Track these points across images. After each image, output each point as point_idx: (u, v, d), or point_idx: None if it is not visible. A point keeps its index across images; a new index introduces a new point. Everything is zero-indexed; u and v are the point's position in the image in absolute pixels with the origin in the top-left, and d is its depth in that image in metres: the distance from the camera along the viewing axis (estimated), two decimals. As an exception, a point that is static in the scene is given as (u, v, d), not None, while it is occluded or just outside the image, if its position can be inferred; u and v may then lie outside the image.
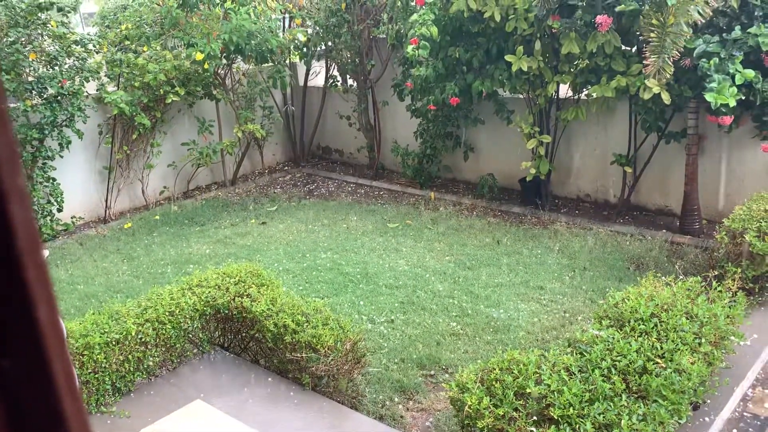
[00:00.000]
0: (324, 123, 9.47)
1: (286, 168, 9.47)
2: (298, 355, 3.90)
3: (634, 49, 6.13)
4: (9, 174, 0.24)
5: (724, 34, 5.40)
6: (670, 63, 5.35)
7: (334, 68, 8.87)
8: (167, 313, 4.09)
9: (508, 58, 6.37)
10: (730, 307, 3.85)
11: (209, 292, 4.28)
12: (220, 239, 6.87)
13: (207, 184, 8.72)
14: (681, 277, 4.57)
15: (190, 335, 4.31)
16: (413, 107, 7.69)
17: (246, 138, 8.49)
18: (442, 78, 6.92)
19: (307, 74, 9.21)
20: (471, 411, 3.10)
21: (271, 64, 8.27)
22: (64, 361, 0.26)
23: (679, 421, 3.18)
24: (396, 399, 4.12)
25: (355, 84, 8.63)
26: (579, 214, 7.04)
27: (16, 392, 0.26)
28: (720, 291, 4.00)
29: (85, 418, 0.27)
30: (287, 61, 8.61)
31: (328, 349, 3.85)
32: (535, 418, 3.01)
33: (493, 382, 3.21)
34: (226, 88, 8.21)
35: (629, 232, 6.41)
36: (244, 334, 4.36)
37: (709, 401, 3.78)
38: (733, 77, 5.22)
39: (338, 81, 8.86)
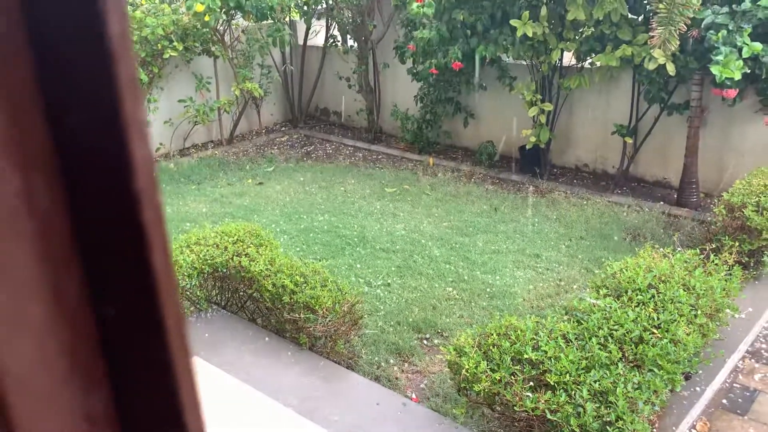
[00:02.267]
0: (323, 84, 9.35)
1: (284, 129, 9.39)
2: (296, 315, 3.91)
3: (640, 18, 6.04)
4: (131, 105, 0.22)
5: (733, 6, 5.32)
6: (676, 35, 5.29)
7: (334, 28, 8.72)
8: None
9: (513, 22, 6.27)
10: (726, 281, 3.88)
11: (207, 250, 4.27)
12: (217, 198, 6.84)
13: (203, 143, 8.64)
14: (678, 249, 4.59)
15: (188, 293, 4.31)
16: (414, 71, 7.59)
17: (244, 97, 8.38)
18: (446, 41, 6.82)
19: (306, 33, 9.06)
20: (468, 374, 3.13)
21: (270, 21, 8.12)
22: (177, 314, 0.25)
23: (673, 389, 3.22)
24: (391, 361, 4.16)
25: (355, 45, 8.50)
26: (577, 184, 7.03)
27: (120, 345, 0.24)
28: (717, 264, 4.02)
29: (195, 374, 0.26)
30: (287, 19, 8.45)
31: (326, 310, 3.87)
32: (531, 383, 3.04)
33: (491, 347, 3.23)
34: (225, 45, 8.07)
35: (627, 203, 6.42)
36: (241, 293, 4.37)
37: (701, 372, 3.83)
38: (740, 50, 5.17)
39: (338, 41, 8.72)
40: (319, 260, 5.30)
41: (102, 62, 0.21)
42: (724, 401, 3.75)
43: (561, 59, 6.65)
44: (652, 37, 5.36)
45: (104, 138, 0.22)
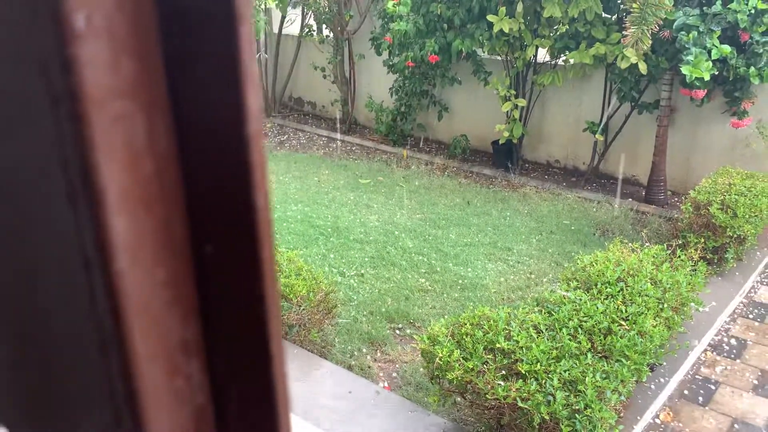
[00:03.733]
0: (297, 73, 9.31)
1: (257, 117, 9.32)
2: (271, 303, 3.92)
3: (614, 18, 6.16)
4: (248, 58, 0.24)
5: (704, 8, 5.46)
6: (648, 35, 5.41)
7: (310, 17, 8.68)
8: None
9: (489, 18, 6.33)
10: (691, 276, 4.00)
11: (181, 237, 4.24)
12: (189, 185, 6.78)
13: (175, 129, 8.54)
14: (646, 244, 4.70)
15: (160, 279, 4.28)
16: (390, 62, 7.61)
17: (218, 84, 8.30)
18: (422, 34, 6.85)
19: (282, 21, 9.00)
20: (441, 363, 3.18)
21: (246, 8, 8.04)
22: (271, 251, 0.27)
23: (639, 380, 3.32)
24: (364, 350, 4.19)
25: (331, 35, 8.48)
26: (548, 179, 7.14)
27: (216, 280, 0.27)
28: (683, 259, 4.14)
29: (279, 305, 0.28)
30: (262, 6, 8.39)
31: (300, 298, 3.88)
32: (503, 372, 3.11)
33: (464, 336, 3.28)
34: (199, 31, 7.97)
35: (596, 198, 6.55)
36: (215, 281, 4.35)
37: (665, 363, 3.95)
38: (709, 52, 5.30)
39: (314, 30, 8.68)
40: (293, 250, 5.30)
41: (228, 20, 0.24)
42: (687, 392, 3.88)
43: (535, 56, 6.74)
44: (626, 36, 5.47)
45: (223, 88, 0.24)
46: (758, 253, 5.38)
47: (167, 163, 0.25)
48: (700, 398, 3.83)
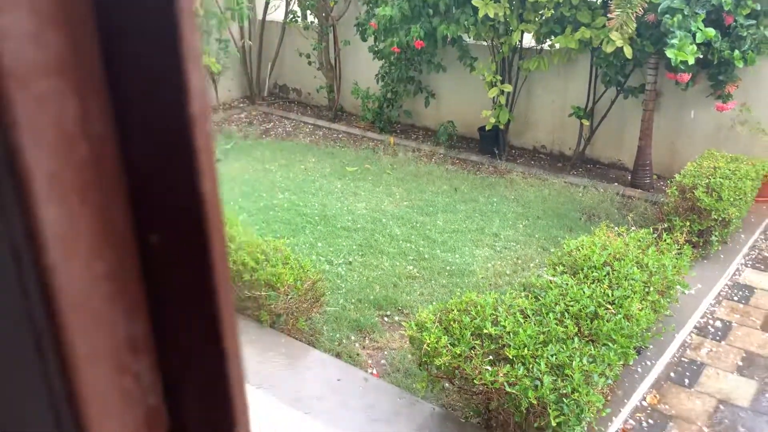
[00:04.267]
0: (282, 60, 9.23)
1: (242, 105, 9.24)
2: (257, 292, 3.90)
3: (599, 2, 6.14)
4: (189, 33, 0.22)
5: (688, -9, 5.45)
6: (633, 18, 5.39)
7: (294, 2, 8.59)
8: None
9: (475, 2, 6.29)
10: (677, 259, 4.02)
11: (166, 227, 4.20)
12: (174, 175, 6.72)
13: (159, 118, 8.45)
14: (632, 228, 4.72)
15: (146, 270, 4.25)
16: (376, 48, 7.55)
17: (201, 72, 8.20)
18: (408, 20, 6.80)
19: (266, 7, 8.90)
20: (429, 349, 3.18)
21: (229, -5, 7.95)
22: (222, 242, 0.25)
23: (626, 363, 3.34)
24: (353, 337, 4.19)
25: (316, 21, 8.40)
26: (535, 165, 7.15)
27: (163, 272, 0.25)
28: (669, 243, 4.16)
29: (233, 303, 0.26)
30: (246, -7, 8.28)
31: (287, 287, 3.86)
32: (490, 357, 3.11)
33: (451, 323, 3.29)
34: (182, 18, 7.87)
35: (582, 183, 6.56)
36: (201, 271, 4.32)
37: (651, 346, 3.98)
38: (694, 35, 5.30)
39: (298, 16, 8.60)
40: (280, 238, 5.28)
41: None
42: (673, 374, 3.91)
43: (521, 41, 6.71)
44: (610, 19, 5.46)
45: (162, 64, 0.22)
46: (742, 235, 5.42)
47: (104, 147, 0.23)
48: (686, 380, 3.86)
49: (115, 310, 0.24)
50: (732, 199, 4.78)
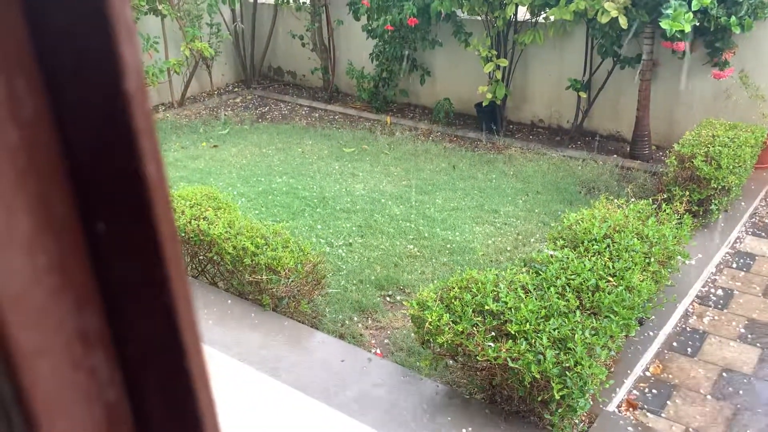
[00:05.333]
0: (275, 42, 9.15)
1: (237, 90, 9.19)
2: (258, 277, 3.90)
3: (594, -28, 6.05)
4: (119, 2, 0.21)
5: (683, -42, 5.37)
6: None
7: (286, -16, 8.49)
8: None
9: (467, -23, 6.21)
10: (677, 229, 4.01)
11: (164, 214, 4.19)
12: (171, 162, 6.69)
13: (154, 105, 8.39)
14: (632, 200, 4.70)
15: (146, 258, 4.24)
16: (369, 27, 7.48)
17: (194, 57, 8.14)
18: (400, -3, 6.72)
19: (257, -10, 8.81)
20: (431, 327, 3.18)
21: (219, -22, 7.86)
22: (171, 229, 0.24)
23: (628, 334, 3.34)
24: (355, 318, 4.19)
25: (308, 1, 8.31)
26: (533, 140, 7.11)
27: (114, 262, 0.24)
28: (668, 213, 4.15)
29: (190, 293, 0.25)
30: (236, -24, 8.19)
31: (288, 270, 3.86)
32: (493, 333, 3.12)
33: (453, 300, 3.28)
34: (172, 3, 7.79)
35: (581, 157, 6.53)
36: (201, 257, 4.32)
37: (654, 317, 3.98)
38: (689, 2, 5.24)
39: (290, -2, 8.50)
40: (279, 222, 5.27)
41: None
42: (675, 344, 3.92)
43: (515, 14, 6.64)
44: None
45: (91, 38, 0.21)
46: (743, 203, 5.41)
47: (37, 131, 0.21)
48: (689, 349, 3.87)
49: (62, 303, 0.23)
50: (731, 167, 4.76)
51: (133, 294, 0.24)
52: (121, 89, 0.21)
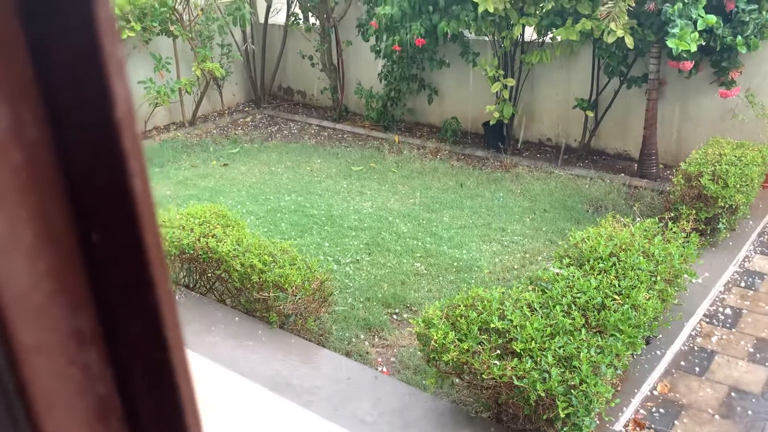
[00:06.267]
0: (285, 63, 9.26)
1: (247, 109, 9.29)
2: (265, 294, 3.92)
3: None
4: (109, 42, 0.24)
5: (688, -21, 5.42)
6: (625, 10, 5.37)
7: (295, 5, 8.62)
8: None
9: (474, -2, 6.29)
10: (684, 247, 4.00)
11: (174, 232, 4.24)
12: (181, 181, 6.76)
13: (165, 124, 8.50)
14: (638, 218, 4.71)
15: (155, 275, 4.28)
16: (377, 48, 7.57)
17: (205, 77, 8.26)
18: (408, 18, 6.81)
19: (267, 11, 8.94)
20: (437, 345, 3.19)
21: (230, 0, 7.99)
22: (156, 238, 0.27)
23: (634, 353, 3.34)
24: (362, 336, 4.21)
25: (317, 22, 8.42)
26: (540, 158, 7.14)
27: (107, 269, 0.27)
28: (675, 232, 4.15)
29: (174, 296, 0.28)
30: (247, -2, 8.33)
31: (295, 288, 3.89)
32: (498, 351, 3.12)
33: (458, 318, 3.29)
34: (184, 25, 7.92)
35: (589, 175, 6.55)
36: (209, 275, 4.35)
37: (661, 336, 3.97)
38: (695, 22, 5.28)
39: (300, 19, 8.63)
40: (287, 240, 5.30)
41: (84, 3, 0.23)
42: (683, 363, 3.90)
43: (522, 34, 6.70)
44: (603, 11, 5.45)
45: (87, 74, 0.24)
46: (751, 222, 5.39)
47: (39, 152, 0.25)
48: (697, 368, 3.85)
49: (59, 305, 0.26)
50: (738, 186, 4.76)
51: (123, 296, 0.27)
52: (112, 117, 0.24)
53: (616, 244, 3.85)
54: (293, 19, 8.66)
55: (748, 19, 5.38)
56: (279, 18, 9.01)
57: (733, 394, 3.63)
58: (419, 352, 3.79)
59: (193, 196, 6.28)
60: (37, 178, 0.24)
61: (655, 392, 3.68)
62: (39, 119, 0.24)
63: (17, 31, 0.23)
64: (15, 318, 0.24)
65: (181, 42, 8.09)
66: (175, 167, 7.15)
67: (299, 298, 3.91)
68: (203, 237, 4.20)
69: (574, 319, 3.24)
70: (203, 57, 7.89)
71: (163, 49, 8.04)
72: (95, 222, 0.26)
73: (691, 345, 4.06)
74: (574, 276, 3.57)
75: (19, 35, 0.23)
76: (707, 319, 4.29)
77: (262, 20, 9.07)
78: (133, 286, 0.27)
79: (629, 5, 5.32)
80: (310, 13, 8.43)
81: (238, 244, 4.12)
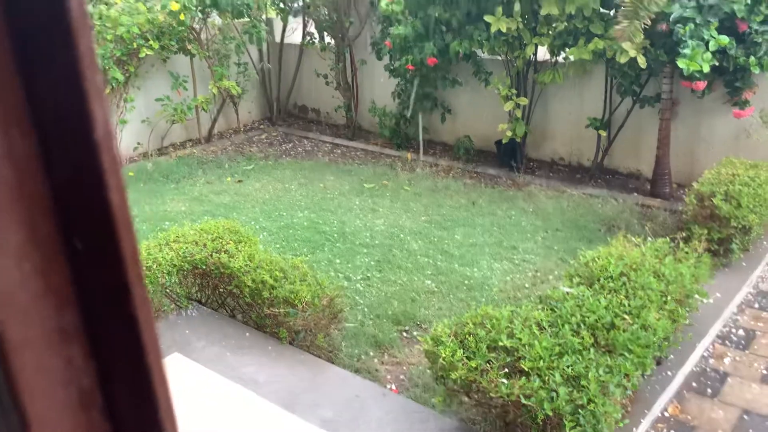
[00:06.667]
0: (300, 81, 9.37)
1: (262, 126, 9.40)
2: (276, 310, 3.95)
3: (612, 12, 6.15)
4: (89, 70, 0.27)
5: (700, 0, 5.44)
6: (641, 29, 5.40)
7: (311, 25, 8.75)
8: (144, 268, 4.09)
9: (487, 18, 6.35)
10: (695, 267, 3.98)
11: (187, 247, 4.29)
12: (196, 197, 6.84)
13: (182, 141, 8.62)
14: (650, 238, 4.69)
15: (167, 290, 4.33)
16: (391, 67, 7.65)
17: (221, 95, 8.38)
18: (421, 38, 6.88)
19: (283, 30, 9.08)
20: (445, 363, 3.19)
21: (246, 19, 8.13)
22: (133, 246, 0.30)
23: (644, 374, 3.32)
24: (371, 353, 4.21)
25: (332, 42, 8.54)
26: (553, 177, 7.14)
27: (88, 273, 0.29)
28: (687, 252, 4.13)
29: (149, 300, 0.31)
30: (263, 16, 8.47)
31: (305, 304, 3.91)
32: (506, 370, 3.12)
33: (467, 336, 3.30)
34: (201, 43, 8.06)
35: (601, 195, 6.54)
36: (221, 290, 4.39)
37: (672, 357, 3.94)
38: (707, 43, 5.29)
39: (315, 38, 8.75)
40: (299, 256, 5.34)
41: (65, 35, 0.27)
42: (695, 384, 3.86)
43: (535, 54, 6.75)
44: (617, 30, 5.47)
45: (69, 98, 0.27)
46: (765, 242, 5.35)
47: (27, 167, 0.28)
48: (709, 390, 3.81)
49: (45, 303, 0.29)
50: (752, 206, 4.73)
51: (103, 298, 0.30)
52: (92, 137, 0.27)
53: (626, 264, 3.84)
54: (309, 38, 8.78)
55: (761, 40, 5.38)
56: (295, 37, 9.15)
57: (745, 416, 3.59)
58: (428, 370, 3.79)
59: (207, 212, 6.35)
60: (24, 189, 0.27)
61: (666, 413, 3.65)
62: (27, 138, 0.27)
63: (10, 62, 0.26)
64: (3, 315, 0.26)
65: (198, 60, 8.23)
66: (191, 183, 7.24)
67: (309, 315, 3.94)
68: (216, 252, 4.25)
69: (582, 338, 3.23)
70: (220, 75, 8.02)
71: (181, 67, 8.18)
72: (77, 229, 0.29)
73: (703, 366, 4.02)
74: (583, 295, 3.56)
75: (10, 65, 0.26)
76: (720, 341, 4.25)
77: (278, 39, 9.21)
78: (111, 289, 0.30)
79: (644, 24, 5.34)
80: (325, 33, 8.55)
81: (250, 260, 4.15)
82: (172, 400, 0.32)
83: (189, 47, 7.84)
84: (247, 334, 4.18)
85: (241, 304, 4.29)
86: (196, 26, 7.99)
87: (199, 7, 7.56)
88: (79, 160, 0.28)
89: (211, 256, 4.23)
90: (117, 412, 0.31)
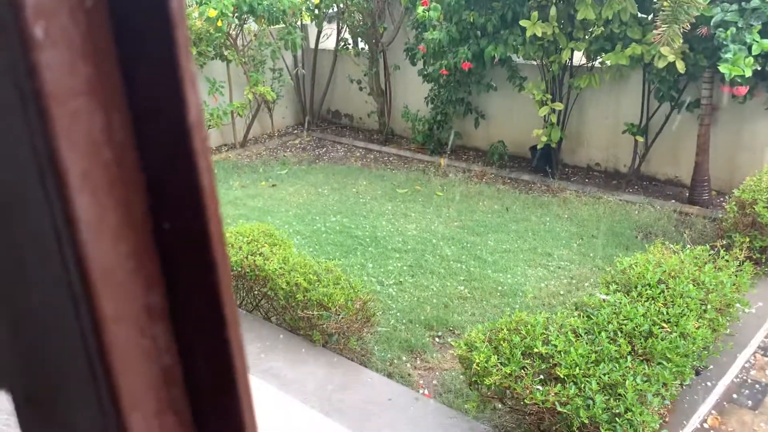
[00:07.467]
0: (334, 87, 9.44)
1: (296, 131, 9.48)
2: (310, 312, 3.98)
3: (650, 17, 6.07)
4: (185, 60, 0.29)
5: (742, 3, 5.34)
6: (680, 33, 5.31)
7: (345, 31, 8.81)
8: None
9: (522, 23, 6.32)
10: (736, 276, 3.90)
11: (222, 249, 4.34)
12: (231, 200, 6.93)
13: (217, 146, 8.75)
14: (689, 246, 4.61)
15: (204, 292, 4.40)
16: (425, 72, 7.65)
17: (257, 100, 8.49)
18: (456, 42, 6.88)
19: (318, 36, 9.16)
20: (479, 369, 3.18)
21: (282, 25, 8.22)
22: (219, 226, 0.31)
23: (683, 383, 3.25)
24: (404, 358, 4.21)
25: (366, 47, 8.58)
26: (589, 183, 7.06)
27: (174, 253, 0.31)
28: (727, 260, 4.04)
29: (229, 270, 0.32)
30: (299, 23, 8.56)
31: (338, 307, 3.93)
32: (541, 376, 3.09)
33: (501, 342, 3.28)
34: (237, 49, 8.18)
35: (638, 201, 6.44)
36: (256, 292, 4.44)
37: (712, 367, 3.86)
38: (749, 47, 5.18)
39: (349, 44, 8.81)
40: (332, 260, 5.37)
41: (165, 23, 0.28)
42: (736, 396, 3.77)
43: (571, 59, 6.69)
44: (656, 35, 5.39)
45: (165, 84, 0.28)
46: (810, 251, 5.20)
47: (125, 151, 0.29)
48: (750, 402, 3.72)
49: (136, 282, 0.30)
50: (795, 214, 4.61)
51: (189, 279, 0.31)
52: (186, 121, 0.29)
53: (664, 271, 3.78)
54: (343, 44, 8.84)
55: (805, 43, 5.25)
56: (329, 43, 9.22)
57: (788, 429, 3.49)
58: (461, 376, 3.78)
59: (242, 216, 6.43)
60: (123, 172, 0.29)
61: (706, 425, 3.57)
62: (125, 122, 0.29)
63: (112, 49, 0.28)
64: (101, 291, 0.28)
65: (234, 66, 8.35)
66: (226, 187, 7.34)
67: (342, 318, 3.96)
68: (251, 255, 4.30)
69: (619, 346, 3.19)
70: (255, 81, 8.12)
71: (217, 72, 8.31)
72: (168, 212, 0.31)
73: (745, 377, 3.93)
74: (620, 302, 3.51)
75: (113, 52, 0.28)
76: (762, 351, 4.15)
77: (312, 45, 9.30)
78: (196, 267, 0.31)
79: (683, 28, 5.26)
80: (359, 38, 8.61)
81: (284, 263, 4.20)
82: (248, 372, 0.33)
83: (226, 53, 7.96)
84: (281, 336, 4.22)
85: (276, 307, 4.34)
86: (233, 32, 8.12)
87: (236, 14, 7.68)
88: (173, 144, 0.29)
89: (247, 258, 4.28)
90: (197, 390, 0.32)
